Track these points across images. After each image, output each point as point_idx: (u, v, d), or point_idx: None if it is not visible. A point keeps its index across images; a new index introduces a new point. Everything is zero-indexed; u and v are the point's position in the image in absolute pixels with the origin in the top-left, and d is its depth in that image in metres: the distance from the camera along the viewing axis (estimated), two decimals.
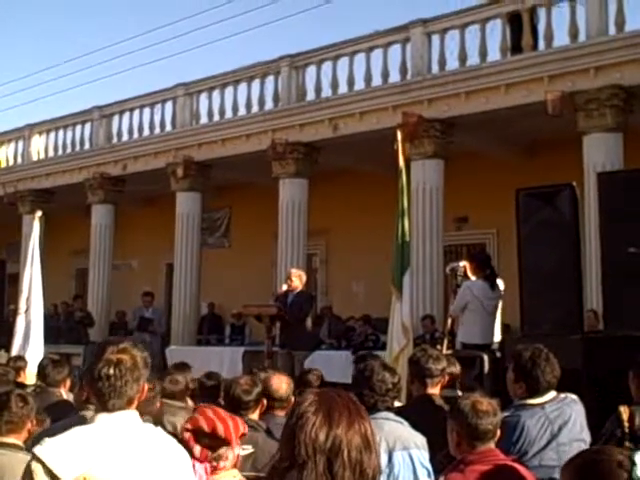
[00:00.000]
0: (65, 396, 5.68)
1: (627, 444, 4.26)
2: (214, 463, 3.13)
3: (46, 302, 10.20)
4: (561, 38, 11.37)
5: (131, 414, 2.50)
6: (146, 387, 2.58)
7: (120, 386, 2.46)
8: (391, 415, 3.83)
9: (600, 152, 10.61)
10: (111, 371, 2.46)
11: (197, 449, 3.08)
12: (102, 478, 2.33)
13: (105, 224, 16.85)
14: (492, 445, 3.33)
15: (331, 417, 1.79)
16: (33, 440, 3.33)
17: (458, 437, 3.33)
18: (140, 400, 2.55)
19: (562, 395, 4.17)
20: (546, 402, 4.11)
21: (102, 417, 2.46)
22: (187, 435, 3.09)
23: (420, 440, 3.79)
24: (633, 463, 2.07)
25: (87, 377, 2.58)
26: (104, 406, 2.46)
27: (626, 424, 4.38)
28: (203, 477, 3.05)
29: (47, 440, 2.40)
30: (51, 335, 12.38)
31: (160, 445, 2.49)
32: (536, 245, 7.20)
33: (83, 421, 2.61)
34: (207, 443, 3.11)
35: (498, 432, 3.38)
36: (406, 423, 3.83)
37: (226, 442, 3.12)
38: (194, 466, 3.02)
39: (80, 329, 15.50)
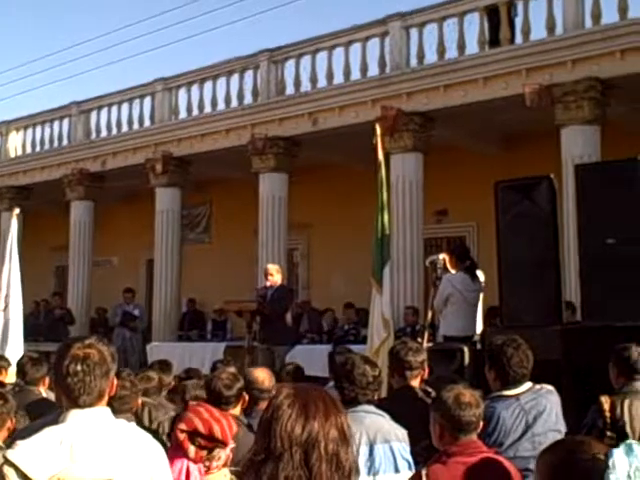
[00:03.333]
0: (44, 394, 5.65)
1: (609, 434, 4.30)
2: (207, 463, 3.12)
3: (26, 299, 10.14)
4: (538, 31, 11.43)
5: (102, 410, 2.47)
6: (115, 382, 2.56)
7: (89, 381, 2.43)
8: (372, 408, 3.84)
9: (578, 144, 10.67)
10: (79, 367, 2.43)
11: (192, 450, 3.06)
12: (77, 477, 2.31)
13: (84, 221, 16.74)
14: (475, 437, 3.35)
15: (307, 410, 1.79)
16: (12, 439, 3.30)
17: (441, 429, 3.34)
18: (110, 395, 2.53)
19: (537, 386, 4.20)
20: (521, 393, 4.13)
21: (73, 414, 2.43)
22: (182, 436, 3.06)
23: (401, 433, 3.80)
24: (607, 466, 2.03)
25: (55, 375, 2.54)
26: (74, 402, 2.43)
27: (607, 414, 4.41)
28: (197, 478, 3.03)
29: (19, 443, 2.38)
30: (31, 333, 12.30)
31: (134, 441, 2.47)
32: (515, 237, 7.23)
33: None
34: (202, 444, 3.08)
35: (481, 424, 3.40)
36: (387, 416, 3.83)
37: (222, 443, 3.11)
38: (188, 467, 3.00)
39: (60, 326, 15.40)
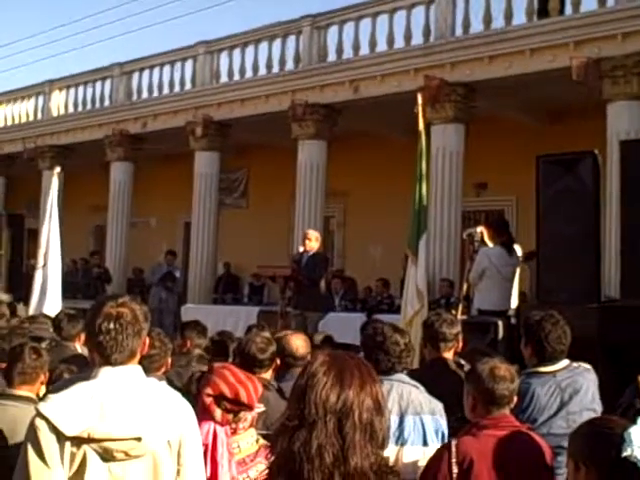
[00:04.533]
0: (80, 350, 5.73)
1: None
2: (233, 425, 3.14)
3: (64, 258, 10.28)
4: (589, 2, 11.15)
5: (134, 368, 2.49)
6: (147, 341, 2.57)
7: (122, 340, 2.44)
8: (407, 379, 3.82)
9: (624, 120, 10.43)
10: (112, 325, 2.44)
11: (218, 413, 3.08)
12: (106, 433, 2.34)
13: (124, 181, 16.87)
14: (507, 411, 3.32)
15: (342, 378, 1.78)
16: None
17: (474, 401, 3.32)
18: (142, 354, 2.54)
19: (575, 364, 4.14)
20: (558, 370, 4.08)
21: (105, 371, 2.45)
22: (208, 400, 3.08)
23: (436, 406, 3.76)
24: (623, 440, 2.01)
25: (87, 332, 2.56)
26: (107, 360, 2.45)
27: None
28: (224, 440, 3.06)
29: (51, 396, 2.41)
30: (69, 290, 12.51)
31: (164, 400, 2.49)
32: (556, 212, 7.13)
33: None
34: (228, 407, 3.10)
35: (515, 398, 3.37)
36: (422, 387, 3.81)
37: (247, 407, 3.13)
38: (215, 430, 3.02)
39: (98, 285, 15.64)
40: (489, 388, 3.26)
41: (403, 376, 3.82)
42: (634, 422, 2.11)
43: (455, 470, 3.06)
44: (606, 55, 10.59)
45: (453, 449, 3.12)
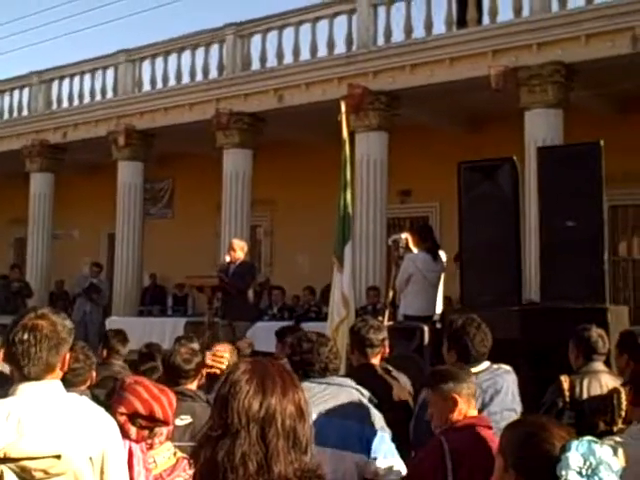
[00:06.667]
0: (0, 367, 5.56)
1: (567, 413, 4.37)
2: (149, 441, 3.09)
3: None
4: (505, 13, 11.46)
5: (53, 383, 2.42)
6: (68, 356, 2.50)
7: (35, 352, 2.37)
8: (348, 382, 3.82)
9: (541, 127, 10.75)
10: (25, 336, 2.38)
11: (133, 431, 3.02)
12: (24, 451, 2.27)
13: (44, 193, 16.49)
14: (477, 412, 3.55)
15: (264, 385, 1.79)
16: None
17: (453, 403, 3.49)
18: (63, 370, 2.48)
19: (495, 366, 4.24)
20: (479, 372, 4.17)
21: (23, 387, 2.39)
22: (122, 419, 3.01)
23: (367, 413, 3.75)
24: (559, 459, 1.97)
25: (6, 344, 2.49)
26: (20, 372, 2.39)
27: (567, 393, 4.48)
28: (140, 458, 3.00)
29: None
30: None
31: (85, 415, 2.43)
32: (477, 218, 7.27)
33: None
34: (143, 424, 3.05)
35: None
36: (365, 392, 3.78)
37: (163, 422, 3.08)
38: (131, 448, 2.97)
39: (18, 300, 15.18)
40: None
41: (346, 380, 3.83)
42: (569, 434, 2.08)
43: (449, 465, 3.21)
44: (522, 64, 10.90)
45: (445, 445, 3.27)
